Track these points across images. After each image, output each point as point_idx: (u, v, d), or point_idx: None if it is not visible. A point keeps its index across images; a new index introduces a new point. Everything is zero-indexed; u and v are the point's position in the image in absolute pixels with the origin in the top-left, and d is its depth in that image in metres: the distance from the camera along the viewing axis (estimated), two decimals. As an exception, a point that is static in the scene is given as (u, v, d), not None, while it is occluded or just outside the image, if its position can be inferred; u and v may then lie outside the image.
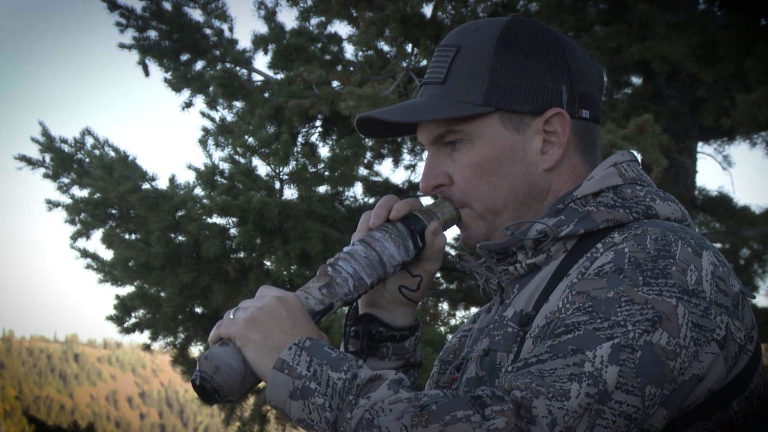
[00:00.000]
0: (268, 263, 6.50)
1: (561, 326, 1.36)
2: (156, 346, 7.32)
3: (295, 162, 6.63)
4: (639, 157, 5.72)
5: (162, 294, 6.67)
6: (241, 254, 6.53)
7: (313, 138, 7.08)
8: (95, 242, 17.63)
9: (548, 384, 1.30)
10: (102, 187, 6.54)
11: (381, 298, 1.64)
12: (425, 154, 1.62)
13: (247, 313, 1.44)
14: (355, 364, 1.37)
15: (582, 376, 1.30)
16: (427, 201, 1.73)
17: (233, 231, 6.39)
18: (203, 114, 7.07)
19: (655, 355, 1.33)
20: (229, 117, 7.11)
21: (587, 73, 1.57)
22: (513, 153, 1.54)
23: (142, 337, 7.26)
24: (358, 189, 7.96)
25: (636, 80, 7.71)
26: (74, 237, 6.92)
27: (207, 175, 6.60)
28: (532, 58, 1.53)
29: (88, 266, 7.10)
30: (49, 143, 7.10)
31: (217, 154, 10.09)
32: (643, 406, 1.33)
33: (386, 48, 7.16)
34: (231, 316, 1.45)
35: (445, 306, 7.95)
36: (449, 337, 6.30)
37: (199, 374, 1.42)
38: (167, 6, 7.22)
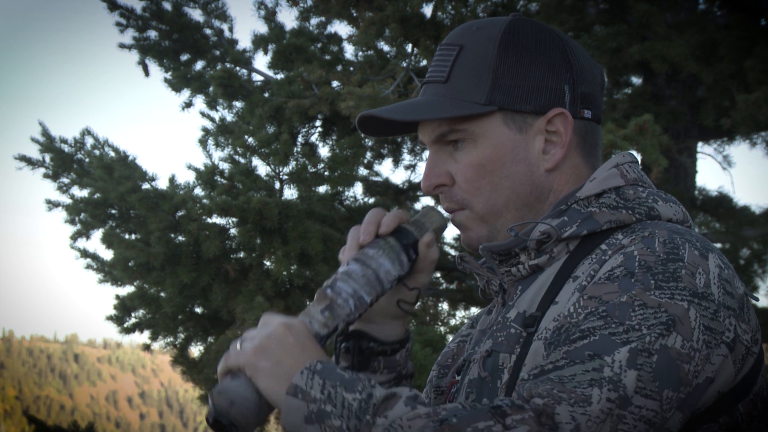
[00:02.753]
0: (268, 263, 6.50)
1: (576, 332, 1.35)
2: (156, 346, 7.32)
3: (295, 162, 6.62)
4: (639, 158, 5.72)
5: (162, 294, 6.66)
6: (241, 254, 6.53)
7: (313, 138, 7.09)
8: (95, 242, 17.62)
9: (569, 390, 1.29)
10: (102, 187, 6.54)
11: (371, 312, 1.63)
12: (425, 155, 1.61)
13: (255, 342, 1.41)
14: (369, 384, 1.35)
15: (602, 381, 1.30)
16: (427, 201, 1.72)
17: (233, 231, 6.39)
18: (203, 114, 7.06)
19: (671, 359, 1.33)
20: (229, 117, 7.11)
21: (589, 73, 1.56)
22: (515, 153, 1.53)
23: (142, 337, 7.26)
24: (358, 189, 7.95)
25: (636, 80, 7.71)
26: (74, 237, 6.92)
27: (207, 175, 6.59)
28: (535, 57, 1.53)
29: (88, 266, 7.10)
30: (49, 143, 7.10)
31: (217, 154, 10.03)
32: (661, 410, 1.32)
33: (386, 48, 7.16)
34: (238, 347, 1.43)
35: (445, 306, 7.95)
36: (449, 337, 6.29)
37: (214, 410, 1.39)
38: (167, 6, 7.22)
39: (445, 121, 1.54)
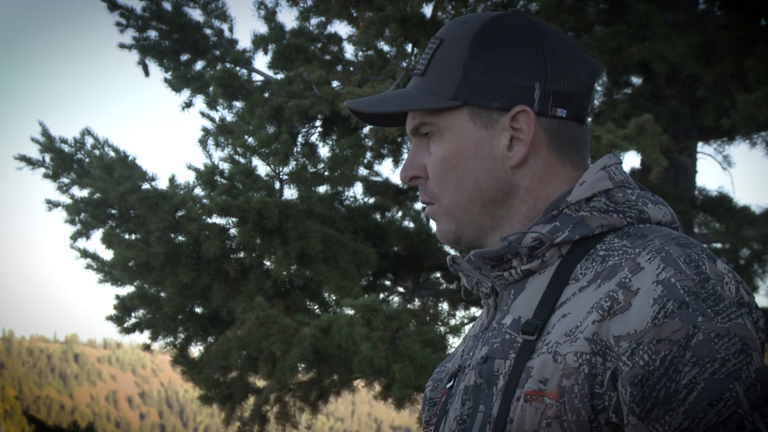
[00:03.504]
0: (268, 263, 6.50)
1: (679, 388, 1.33)
2: (156, 346, 7.33)
3: (295, 162, 6.62)
4: (638, 159, 5.73)
5: (162, 294, 6.66)
6: (241, 254, 6.53)
7: (313, 138, 7.08)
8: (95, 242, 17.63)
9: None
10: (102, 187, 6.54)
11: None
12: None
13: None
14: None
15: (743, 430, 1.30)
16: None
17: (233, 231, 6.39)
18: (203, 114, 7.07)
19: (765, 378, 1.33)
20: (229, 117, 7.11)
21: (571, 71, 1.54)
22: (479, 148, 1.53)
23: (142, 337, 7.27)
24: (358, 189, 7.96)
25: (636, 80, 7.71)
26: (74, 237, 6.92)
27: (207, 175, 6.59)
28: (507, 54, 1.52)
29: (88, 266, 7.10)
30: (49, 143, 7.10)
31: (217, 154, 10.00)
32: None
33: (386, 48, 7.16)
34: None
35: (445, 306, 7.95)
36: (449, 337, 6.29)
37: None
38: (167, 6, 7.22)
39: (418, 113, 1.56)
